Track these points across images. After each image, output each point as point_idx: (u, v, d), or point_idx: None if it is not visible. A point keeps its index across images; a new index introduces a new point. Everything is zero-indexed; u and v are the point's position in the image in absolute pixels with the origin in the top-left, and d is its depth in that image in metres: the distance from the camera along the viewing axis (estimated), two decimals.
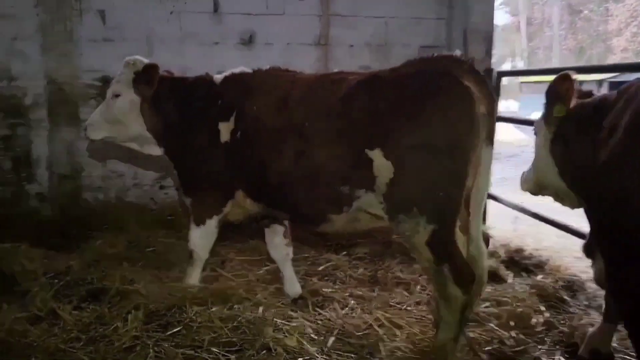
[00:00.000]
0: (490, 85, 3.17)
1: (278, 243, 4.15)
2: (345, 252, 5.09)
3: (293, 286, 4.17)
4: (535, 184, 3.38)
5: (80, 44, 5.87)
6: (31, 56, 5.78)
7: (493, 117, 3.06)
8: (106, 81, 5.28)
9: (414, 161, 2.97)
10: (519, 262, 5.00)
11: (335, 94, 3.26)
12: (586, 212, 3.04)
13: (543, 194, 3.45)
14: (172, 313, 3.57)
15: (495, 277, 4.56)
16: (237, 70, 3.91)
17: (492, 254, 4.98)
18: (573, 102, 3.03)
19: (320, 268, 4.75)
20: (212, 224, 3.86)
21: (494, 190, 5.68)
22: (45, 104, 5.88)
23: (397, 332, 3.56)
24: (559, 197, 3.30)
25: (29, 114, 5.86)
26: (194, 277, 3.97)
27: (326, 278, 4.57)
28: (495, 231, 5.70)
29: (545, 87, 3.21)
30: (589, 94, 3.10)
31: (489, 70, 5.99)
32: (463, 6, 6.28)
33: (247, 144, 3.61)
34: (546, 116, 3.13)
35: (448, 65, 3.05)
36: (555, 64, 37.11)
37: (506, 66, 40.57)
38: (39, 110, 5.87)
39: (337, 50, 6.31)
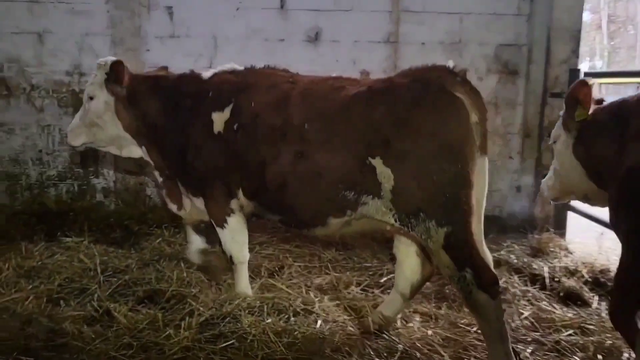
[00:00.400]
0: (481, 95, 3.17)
1: (197, 247, 4.38)
2: None
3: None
4: (561, 190, 3.43)
5: (147, 40, 5.86)
6: (101, 51, 5.81)
7: (485, 127, 3.11)
8: None
9: (411, 167, 3.02)
10: (604, 283, 4.46)
11: (335, 99, 3.30)
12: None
13: (570, 199, 3.59)
14: (225, 323, 3.42)
15: (577, 300, 4.13)
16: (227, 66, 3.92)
17: (573, 273, 4.54)
18: (592, 108, 3.09)
19: (383, 280, 4.46)
20: (233, 222, 3.76)
21: (576, 202, 5.19)
22: None
23: (464, 357, 3.25)
24: (589, 199, 3.35)
25: None
26: (243, 281, 3.86)
27: (389, 291, 4.28)
28: (577, 247, 5.21)
29: (626, 89, 3.04)
30: (601, 100, 3.17)
31: (575, 71, 5.49)
32: (547, 1, 5.80)
33: (243, 141, 3.55)
34: (566, 122, 3.20)
35: (440, 75, 3.12)
36: (638, 64, 34.79)
37: (584, 66, 38.38)
38: None
39: (407, 49, 5.99)
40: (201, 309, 3.56)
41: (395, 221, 3.13)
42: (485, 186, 3.18)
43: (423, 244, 3.18)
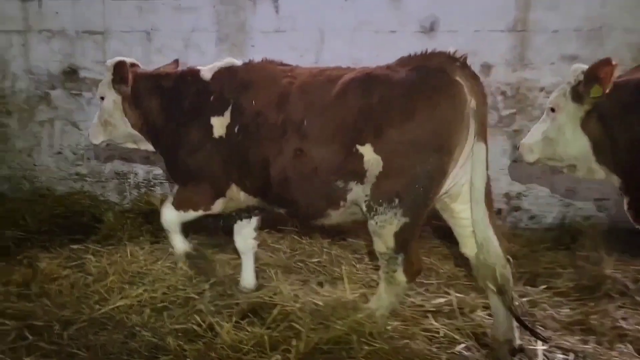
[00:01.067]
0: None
1: (247, 234, 4.13)
2: (545, 286, 4.13)
3: (249, 279, 4.14)
4: (546, 156, 3.51)
5: (253, 35, 5.63)
6: (206, 48, 5.68)
7: (484, 113, 3.11)
8: None
9: (402, 156, 3.08)
10: None
11: (330, 91, 3.28)
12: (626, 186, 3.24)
13: (550, 164, 3.64)
14: (337, 350, 3.04)
15: None
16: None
17: None
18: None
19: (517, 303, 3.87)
20: (188, 216, 3.85)
21: None
22: None
23: None
24: (572, 168, 3.47)
25: None
26: (178, 243, 3.92)
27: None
28: None
29: None
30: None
31: None
32: None
33: (245, 140, 3.55)
34: (579, 94, 3.24)
35: (441, 61, 3.11)
36: None
37: None
38: None
39: (536, 37, 5.28)
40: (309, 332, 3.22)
41: (364, 207, 3.23)
42: (484, 172, 3.10)
43: (371, 226, 3.23)
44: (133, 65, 4.14)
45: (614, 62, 3.10)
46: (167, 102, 3.91)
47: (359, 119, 3.15)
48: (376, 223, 3.19)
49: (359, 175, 3.21)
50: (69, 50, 5.96)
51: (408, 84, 3.09)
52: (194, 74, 3.88)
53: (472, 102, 3.05)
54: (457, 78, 3.05)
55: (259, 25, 5.60)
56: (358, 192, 3.26)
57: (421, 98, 3.05)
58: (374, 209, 3.18)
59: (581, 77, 3.24)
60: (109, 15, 5.84)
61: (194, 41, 5.72)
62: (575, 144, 3.33)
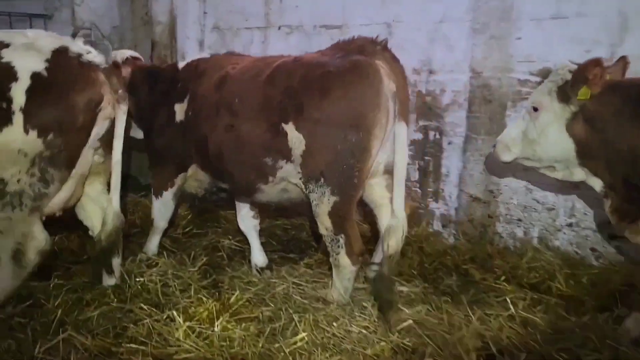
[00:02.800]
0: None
1: (245, 214, 4.40)
2: None
3: (259, 257, 4.34)
4: (524, 156, 3.50)
5: (520, 24, 4.30)
6: (456, 42, 4.57)
7: (405, 94, 3.31)
8: (545, 75, 3.63)
9: (322, 134, 3.24)
10: None
11: (262, 75, 3.51)
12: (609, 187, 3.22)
13: (527, 164, 3.60)
14: None
15: None
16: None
17: None
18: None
19: None
20: (167, 195, 4.28)
21: None
22: (465, 104, 4.60)
23: None
24: (550, 169, 3.47)
25: (444, 115, 4.71)
26: (153, 242, 4.40)
27: None
28: None
29: None
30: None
31: None
32: None
33: (194, 121, 3.91)
34: (565, 94, 3.20)
35: (362, 45, 3.35)
36: None
37: None
38: (457, 111, 4.65)
39: None
40: None
41: (302, 185, 3.43)
42: (406, 150, 3.29)
43: (313, 207, 3.40)
44: (135, 58, 4.57)
45: (603, 63, 3.08)
46: (151, 91, 4.29)
47: (283, 99, 3.33)
48: (313, 201, 3.38)
49: (286, 153, 3.40)
50: (305, 46, 5.44)
51: (327, 66, 3.26)
52: (174, 66, 4.37)
53: (390, 84, 3.20)
54: (376, 60, 3.21)
55: (531, 10, 4.24)
56: (289, 170, 3.47)
57: (337, 78, 3.20)
58: (307, 187, 3.39)
59: (569, 77, 3.19)
60: (349, 7, 5.15)
61: (441, 34, 4.65)
62: (558, 146, 3.29)
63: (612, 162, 3.11)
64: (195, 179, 4.24)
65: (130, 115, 4.03)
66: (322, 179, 3.26)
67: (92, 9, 6.34)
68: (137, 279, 3.71)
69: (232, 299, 3.39)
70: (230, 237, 4.89)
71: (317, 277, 4.05)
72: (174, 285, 3.66)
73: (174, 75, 4.20)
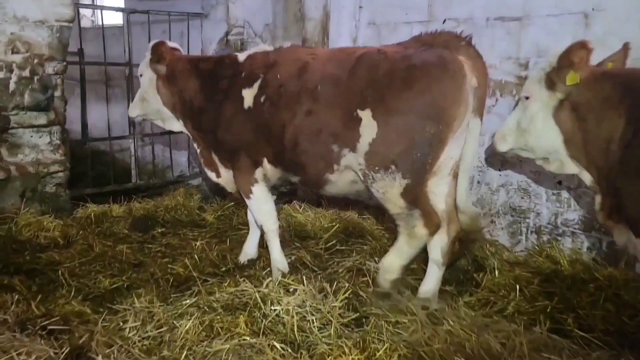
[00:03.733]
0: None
1: None
2: None
3: (252, 248, 4.52)
4: (519, 146, 3.47)
5: None
6: None
7: (484, 91, 3.34)
8: None
9: (399, 124, 3.23)
10: None
11: (345, 64, 3.50)
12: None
13: (524, 155, 3.61)
14: None
15: None
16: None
17: None
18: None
19: None
20: (258, 191, 4.07)
21: None
22: None
23: None
24: (546, 161, 3.42)
25: None
26: (276, 248, 4.16)
27: None
28: None
29: None
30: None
31: None
32: None
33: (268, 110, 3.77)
34: (552, 81, 3.11)
35: (446, 40, 3.31)
36: None
37: None
38: None
39: None
40: None
41: (361, 175, 3.44)
42: (476, 145, 3.45)
43: (377, 196, 3.45)
44: (173, 49, 4.41)
45: (590, 46, 2.97)
46: (205, 84, 4.15)
47: (365, 88, 3.32)
48: (377, 191, 3.40)
49: (353, 140, 3.39)
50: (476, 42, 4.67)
51: (412, 59, 3.26)
52: (231, 57, 4.22)
53: (472, 80, 3.20)
54: (460, 56, 3.20)
55: None
56: (350, 159, 3.47)
57: (421, 71, 3.19)
58: (370, 177, 3.38)
59: (555, 63, 3.08)
60: None
61: None
62: (546, 135, 3.23)
63: (591, 154, 3.04)
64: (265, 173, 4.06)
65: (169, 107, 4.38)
66: (392, 167, 3.30)
67: (246, 5, 6.16)
68: (273, 307, 3.28)
69: (380, 352, 2.79)
70: (377, 259, 4.30)
71: (482, 322, 3.31)
72: (312, 320, 3.16)
73: (234, 65, 4.09)
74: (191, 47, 6.33)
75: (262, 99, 3.80)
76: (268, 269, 4.20)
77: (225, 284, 3.74)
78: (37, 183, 5.04)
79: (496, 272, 4.02)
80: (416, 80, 3.19)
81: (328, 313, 3.25)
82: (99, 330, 3.07)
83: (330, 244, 4.82)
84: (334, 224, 5.18)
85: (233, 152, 4.05)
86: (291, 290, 3.50)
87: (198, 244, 4.80)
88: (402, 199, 3.35)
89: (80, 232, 4.95)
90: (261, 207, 4.13)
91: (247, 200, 4.18)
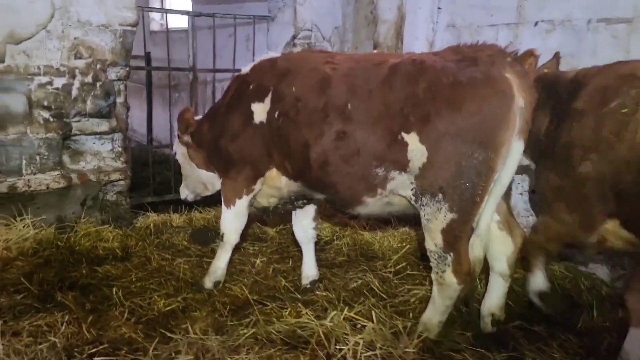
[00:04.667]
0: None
1: (307, 225, 4.20)
2: None
3: (311, 269, 4.19)
4: None
5: None
6: None
7: (530, 111, 2.98)
8: None
9: (447, 148, 2.97)
10: None
11: (375, 76, 3.20)
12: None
13: None
14: None
15: None
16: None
17: None
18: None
19: None
20: (240, 205, 3.91)
21: None
22: None
23: None
24: None
25: None
26: (223, 258, 4.05)
27: None
28: None
29: None
30: None
31: None
32: None
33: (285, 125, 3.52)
34: None
35: (492, 55, 3.00)
36: None
37: None
38: None
39: None
40: None
41: (412, 196, 3.16)
42: (514, 169, 3.06)
43: (422, 220, 3.18)
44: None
45: (537, 53, 3.23)
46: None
47: (406, 106, 3.05)
48: (424, 216, 3.14)
49: (402, 164, 3.12)
50: (571, 48, 4.11)
51: (458, 74, 2.95)
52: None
53: (520, 100, 2.91)
54: (507, 74, 2.90)
55: None
56: (402, 181, 3.19)
57: (471, 90, 2.91)
58: (420, 200, 3.13)
59: None
60: None
61: None
62: None
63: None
64: (272, 186, 3.80)
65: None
66: (440, 195, 3.02)
67: (315, 8, 5.84)
68: (339, 347, 2.91)
69: None
70: None
71: None
72: None
73: (240, 77, 3.90)
74: (257, 51, 6.08)
75: (276, 114, 3.55)
76: (329, 295, 3.85)
77: (287, 313, 3.43)
78: (98, 191, 4.91)
79: (595, 312, 3.51)
80: (464, 101, 2.90)
81: (400, 358, 2.85)
82: None
83: (400, 266, 4.43)
84: (404, 244, 4.81)
85: (232, 163, 3.84)
86: (358, 326, 3.12)
87: (258, 261, 4.53)
88: (441, 236, 3.07)
89: (139, 243, 4.79)
90: (234, 221, 3.97)
91: (224, 208, 3.99)
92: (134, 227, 5.09)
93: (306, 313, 3.32)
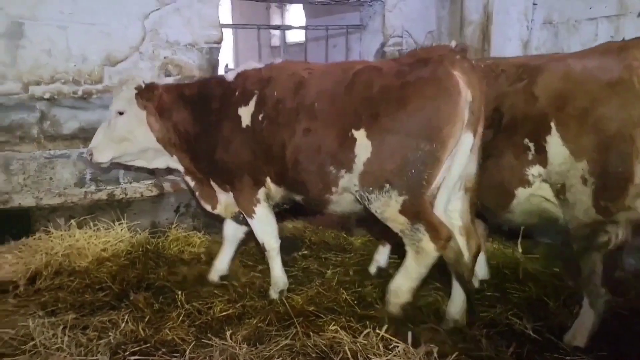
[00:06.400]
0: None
1: (238, 227, 4.37)
2: None
3: (225, 265, 4.40)
4: None
5: None
6: None
7: (479, 105, 3.13)
8: None
9: (393, 143, 3.18)
10: None
11: (341, 80, 3.44)
12: None
13: None
14: None
15: None
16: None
17: None
18: None
19: None
20: (260, 211, 3.98)
21: None
22: None
23: None
24: None
25: None
26: (277, 267, 4.11)
27: None
28: None
29: None
30: None
31: None
32: None
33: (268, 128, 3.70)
34: None
35: (441, 54, 3.17)
36: None
37: None
38: None
39: None
40: None
41: (357, 196, 3.39)
42: (464, 162, 3.19)
43: (377, 216, 3.37)
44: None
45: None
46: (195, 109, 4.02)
47: (360, 107, 3.28)
48: (376, 211, 3.33)
49: (349, 161, 3.34)
50: None
51: (406, 75, 3.19)
52: (216, 79, 4.15)
53: (467, 95, 3.07)
54: (455, 71, 3.08)
55: None
56: (348, 181, 3.40)
57: (415, 89, 3.14)
58: (366, 198, 3.32)
59: None
60: None
61: None
62: None
63: None
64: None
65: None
66: (387, 185, 3.24)
67: (405, 13, 5.67)
68: None
69: None
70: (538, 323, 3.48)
71: None
72: None
73: (223, 84, 3.98)
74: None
75: (260, 117, 3.73)
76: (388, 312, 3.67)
77: (330, 327, 3.35)
78: (190, 199, 5.24)
79: None
80: (410, 99, 3.14)
81: None
82: None
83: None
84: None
85: (233, 173, 3.93)
86: (391, 347, 2.94)
87: (329, 272, 4.49)
88: (402, 216, 3.25)
89: None
90: (264, 227, 4.04)
91: (249, 220, 4.07)
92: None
93: (336, 331, 3.21)
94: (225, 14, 14.72)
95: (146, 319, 3.54)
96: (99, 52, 4.45)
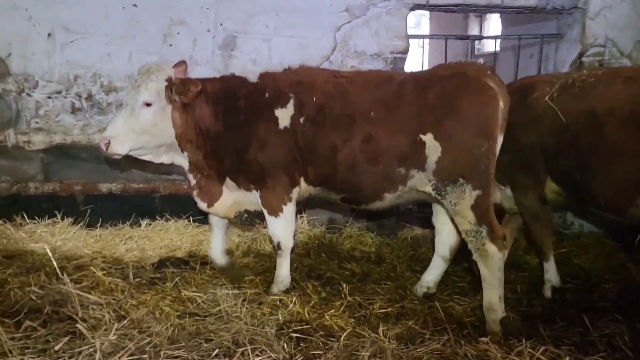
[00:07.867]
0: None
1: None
2: None
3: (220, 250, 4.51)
4: None
5: None
6: None
7: (506, 112, 3.74)
8: None
9: (456, 142, 3.66)
10: None
11: (388, 89, 3.87)
12: None
13: None
14: None
15: None
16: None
17: None
18: None
19: None
20: (288, 211, 4.09)
21: None
22: None
23: None
24: None
25: None
26: (285, 266, 4.16)
27: None
28: None
29: None
30: None
31: None
32: None
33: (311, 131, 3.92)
34: None
35: (476, 70, 3.79)
36: None
37: None
38: None
39: None
40: None
41: (432, 190, 3.79)
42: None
43: (449, 208, 3.78)
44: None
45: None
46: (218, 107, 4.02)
47: (420, 113, 3.72)
48: (450, 202, 3.72)
49: (421, 162, 3.77)
50: None
51: (458, 85, 3.70)
52: (242, 79, 4.13)
53: (501, 103, 3.68)
54: (491, 84, 3.68)
55: None
56: (420, 179, 3.82)
57: (470, 97, 3.66)
58: (443, 190, 3.72)
59: None
60: None
61: None
62: None
63: None
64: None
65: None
66: (461, 179, 3.64)
67: (610, 21, 5.22)
68: None
69: None
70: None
71: None
72: None
73: (247, 86, 4.05)
74: (550, 71, 5.77)
75: (301, 120, 3.91)
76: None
77: (483, 340, 3.30)
78: None
79: None
80: (466, 106, 3.65)
81: None
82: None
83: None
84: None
85: (267, 172, 3.99)
86: None
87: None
88: (472, 212, 3.65)
89: (394, 252, 5.18)
90: (287, 227, 4.12)
91: (271, 218, 4.11)
92: (395, 237, 5.51)
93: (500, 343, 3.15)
94: (423, 23, 14.90)
95: (311, 304, 3.88)
96: (294, 61, 4.96)
